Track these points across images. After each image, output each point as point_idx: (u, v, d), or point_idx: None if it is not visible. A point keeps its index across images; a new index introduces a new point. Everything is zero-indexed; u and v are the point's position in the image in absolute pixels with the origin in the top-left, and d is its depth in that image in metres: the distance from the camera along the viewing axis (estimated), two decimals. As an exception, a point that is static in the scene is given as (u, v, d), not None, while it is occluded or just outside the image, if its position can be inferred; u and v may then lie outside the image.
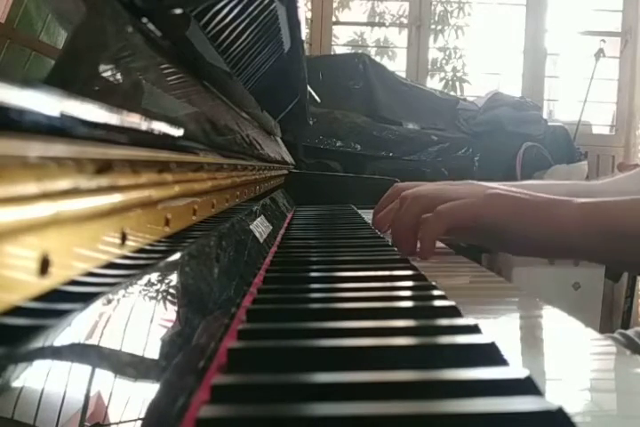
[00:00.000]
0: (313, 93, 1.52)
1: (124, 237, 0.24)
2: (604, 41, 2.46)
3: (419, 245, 0.61)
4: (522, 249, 0.60)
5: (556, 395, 0.24)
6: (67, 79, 0.20)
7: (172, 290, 0.28)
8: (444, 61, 2.77)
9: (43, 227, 0.17)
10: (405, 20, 2.69)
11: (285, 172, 1.19)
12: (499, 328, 0.35)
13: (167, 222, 0.31)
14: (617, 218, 0.54)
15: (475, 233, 0.60)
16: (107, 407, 0.19)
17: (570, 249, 0.56)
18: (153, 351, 0.23)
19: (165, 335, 0.25)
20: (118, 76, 0.25)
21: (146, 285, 0.26)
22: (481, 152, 2.13)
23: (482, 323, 0.30)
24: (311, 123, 1.72)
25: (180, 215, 0.34)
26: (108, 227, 0.23)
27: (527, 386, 0.22)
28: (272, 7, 0.65)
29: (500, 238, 0.58)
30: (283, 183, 1.21)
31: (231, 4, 0.52)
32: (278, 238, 0.66)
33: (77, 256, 0.20)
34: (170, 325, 0.26)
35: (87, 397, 0.18)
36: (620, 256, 0.56)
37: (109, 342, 0.21)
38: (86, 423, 0.18)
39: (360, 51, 2.60)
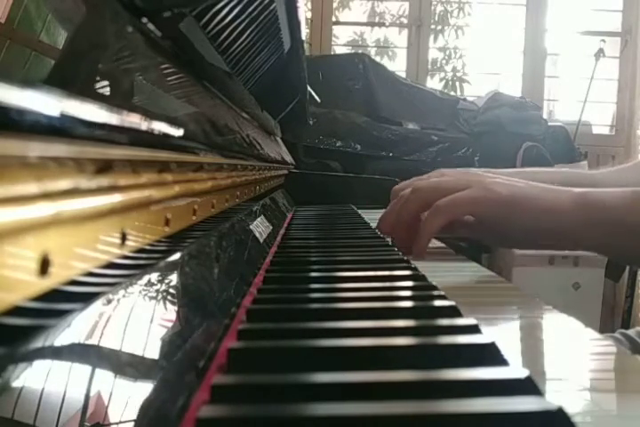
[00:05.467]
0: (313, 93, 1.51)
1: (124, 237, 0.24)
2: (604, 41, 2.46)
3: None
4: (522, 241, 0.59)
5: (556, 395, 0.24)
6: (67, 79, 0.20)
7: (172, 290, 0.28)
8: (443, 61, 2.77)
9: (43, 227, 0.17)
10: (405, 20, 2.69)
11: (285, 172, 1.19)
12: (499, 328, 0.35)
13: (167, 222, 0.31)
14: (614, 208, 0.53)
15: (474, 227, 0.60)
16: (107, 407, 0.19)
17: (567, 238, 0.56)
18: (153, 351, 0.23)
19: (165, 335, 0.25)
20: (118, 76, 0.25)
21: (146, 285, 0.26)
22: (481, 152, 2.13)
23: (482, 323, 0.30)
24: (311, 123, 1.72)
25: (180, 215, 0.34)
26: (108, 227, 0.23)
27: (527, 386, 0.22)
28: (272, 7, 0.65)
29: (499, 230, 0.58)
30: (283, 183, 1.21)
31: (231, 4, 0.52)
32: (278, 238, 0.66)
33: (77, 256, 0.20)
34: (170, 325, 0.26)
35: (87, 397, 0.18)
36: (618, 247, 0.55)
37: (109, 342, 0.21)
38: (86, 423, 0.18)
39: (360, 51, 2.60)
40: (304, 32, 0.88)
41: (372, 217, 0.90)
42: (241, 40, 0.62)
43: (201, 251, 0.35)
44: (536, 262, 1.97)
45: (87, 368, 0.19)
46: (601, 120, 2.74)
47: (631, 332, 0.77)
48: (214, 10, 0.49)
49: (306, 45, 1.85)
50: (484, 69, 2.79)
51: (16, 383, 0.15)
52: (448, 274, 0.54)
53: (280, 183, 1.16)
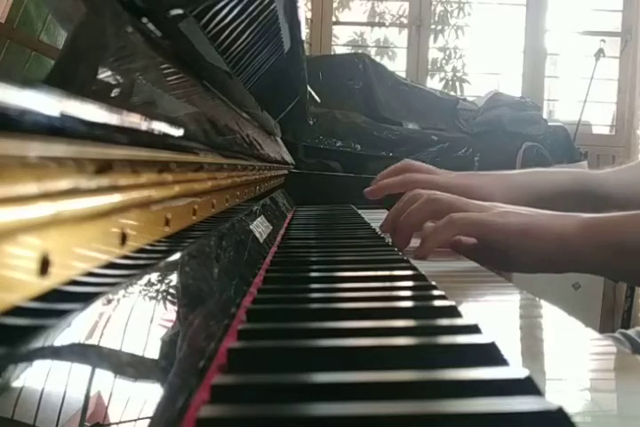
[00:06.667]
0: (313, 93, 1.52)
1: (124, 238, 0.24)
2: (604, 41, 2.46)
3: (416, 242, 0.62)
4: (527, 265, 0.60)
5: (556, 395, 0.24)
6: (67, 79, 0.20)
7: (172, 290, 0.28)
8: (443, 61, 2.77)
9: (43, 227, 0.17)
10: (405, 20, 2.69)
11: (285, 172, 1.19)
12: (498, 328, 0.35)
13: (167, 222, 0.31)
14: (620, 233, 0.54)
15: (478, 250, 0.61)
16: (107, 407, 0.19)
17: (576, 263, 0.57)
18: (153, 351, 0.23)
19: (165, 335, 0.25)
20: (118, 76, 0.25)
21: (146, 285, 0.26)
22: (481, 152, 2.13)
23: (482, 323, 0.30)
24: (311, 123, 1.72)
25: (180, 215, 0.34)
26: (108, 227, 0.23)
27: (527, 386, 0.22)
28: (272, 7, 0.65)
29: (507, 255, 0.59)
30: (283, 183, 1.21)
31: (231, 4, 0.52)
32: (278, 238, 0.66)
33: (77, 256, 0.20)
34: (170, 325, 0.26)
35: (87, 397, 0.18)
36: (623, 269, 0.56)
37: (109, 342, 0.21)
38: (86, 423, 0.18)
39: (360, 51, 2.60)
40: (304, 32, 0.88)
41: (372, 217, 0.91)
42: (241, 40, 0.62)
43: (201, 251, 0.35)
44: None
45: (87, 368, 0.19)
46: (601, 120, 2.74)
47: (631, 332, 0.77)
48: (214, 10, 0.49)
49: (306, 45, 1.86)
50: (483, 69, 2.79)
51: (16, 383, 0.15)
52: (447, 274, 0.54)
53: (280, 183, 1.16)
